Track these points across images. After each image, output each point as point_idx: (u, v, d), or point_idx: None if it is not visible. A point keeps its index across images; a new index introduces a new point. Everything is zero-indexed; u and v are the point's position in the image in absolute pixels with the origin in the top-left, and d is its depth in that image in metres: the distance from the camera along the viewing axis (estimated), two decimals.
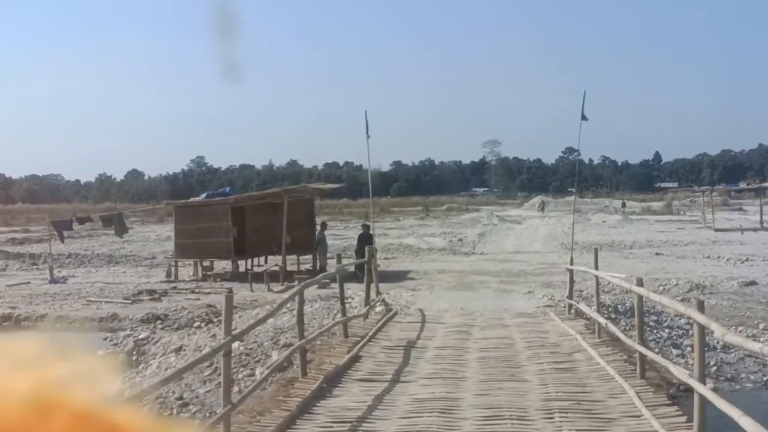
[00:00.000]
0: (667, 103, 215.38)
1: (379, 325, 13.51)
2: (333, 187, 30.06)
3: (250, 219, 24.75)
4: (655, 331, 13.82)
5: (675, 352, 12.88)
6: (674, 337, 13.54)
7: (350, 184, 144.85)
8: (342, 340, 12.34)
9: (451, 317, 14.78)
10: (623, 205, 70.16)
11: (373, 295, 16.35)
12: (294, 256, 25.72)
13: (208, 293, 21.32)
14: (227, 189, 26.57)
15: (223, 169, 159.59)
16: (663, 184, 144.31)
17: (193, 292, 21.44)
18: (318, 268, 23.81)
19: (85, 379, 0.46)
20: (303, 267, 25.81)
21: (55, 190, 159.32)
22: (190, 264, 24.91)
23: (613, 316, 14.42)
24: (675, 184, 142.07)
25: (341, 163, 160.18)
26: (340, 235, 40.26)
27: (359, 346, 11.40)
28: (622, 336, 10.45)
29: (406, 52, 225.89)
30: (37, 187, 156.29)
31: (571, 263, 15.85)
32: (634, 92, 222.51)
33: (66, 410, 0.43)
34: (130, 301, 19.66)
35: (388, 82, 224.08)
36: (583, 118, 16.90)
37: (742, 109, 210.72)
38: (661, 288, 20.61)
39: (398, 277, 23.81)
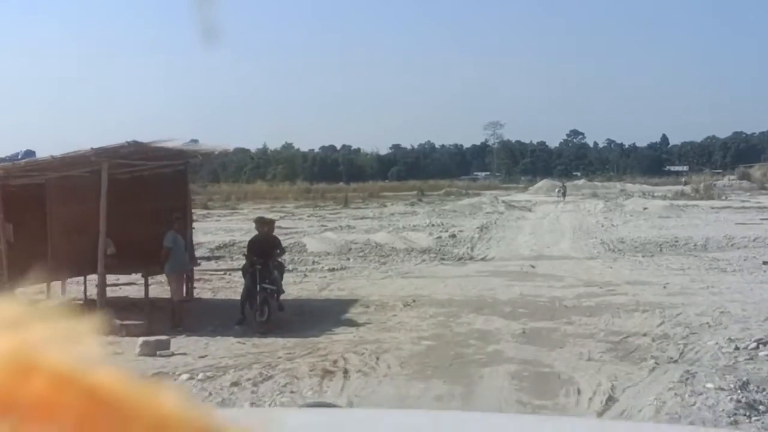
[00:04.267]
0: (673, 86, 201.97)
1: None
2: (207, 152, 15.58)
3: (58, 210, 12.87)
4: None
5: None
6: None
7: (347, 167, 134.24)
8: None
9: None
10: (685, 183, 58.65)
11: None
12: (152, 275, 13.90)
13: None
14: (20, 153, 14.48)
15: (216, 152, 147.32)
16: (673, 168, 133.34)
17: None
18: (176, 299, 11.94)
19: (67, 341, 0.42)
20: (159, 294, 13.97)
21: None
22: None
23: None
24: (685, 168, 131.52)
25: (338, 147, 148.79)
26: (297, 231, 28.72)
27: None
28: None
29: (405, 32, 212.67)
30: None
31: None
32: (639, 74, 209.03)
33: (45, 371, 0.41)
34: None
35: (386, 63, 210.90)
36: None
37: (752, 91, 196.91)
38: None
39: (327, 318, 12.00)
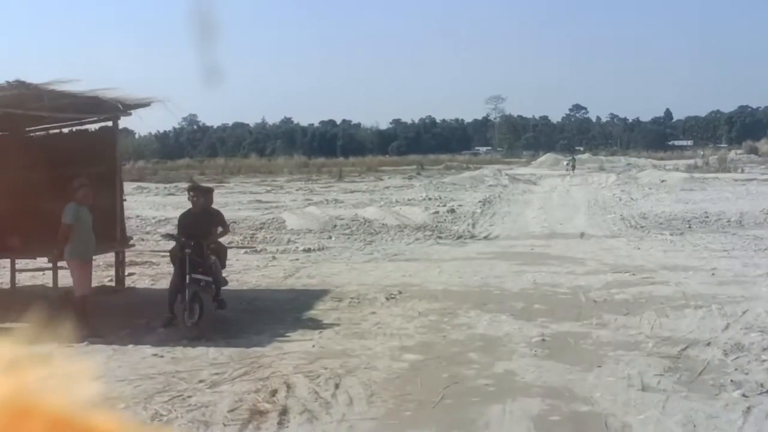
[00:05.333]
0: (677, 60, 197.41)
1: None
2: (134, 102, 11.72)
3: None
4: None
5: None
6: None
7: (346, 142, 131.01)
8: None
9: None
10: (703, 156, 56.06)
11: None
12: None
13: None
14: None
15: (215, 127, 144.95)
16: (677, 142, 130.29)
17: None
18: (80, 294, 8.92)
19: (64, 383, 0.42)
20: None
21: None
22: None
23: None
24: (690, 142, 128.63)
25: (338, 121, 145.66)
26: (279, 205, 25.92)
27: None
28: None
29: (405, 6, 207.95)
30: None
31: None
32: (642, 48, 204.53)
33: (43, 415, 0.40)
34: None
35: (387, 37, 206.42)
36: None
37: (758, 65, 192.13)
38: None
39: (285, 316, 9.07)
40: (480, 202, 23.39)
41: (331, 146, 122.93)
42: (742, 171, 43.14)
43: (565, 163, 49.43)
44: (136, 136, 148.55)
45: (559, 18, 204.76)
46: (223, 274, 9.16)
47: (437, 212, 20.63)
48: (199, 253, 8.43)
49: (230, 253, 15.00)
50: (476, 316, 8.99)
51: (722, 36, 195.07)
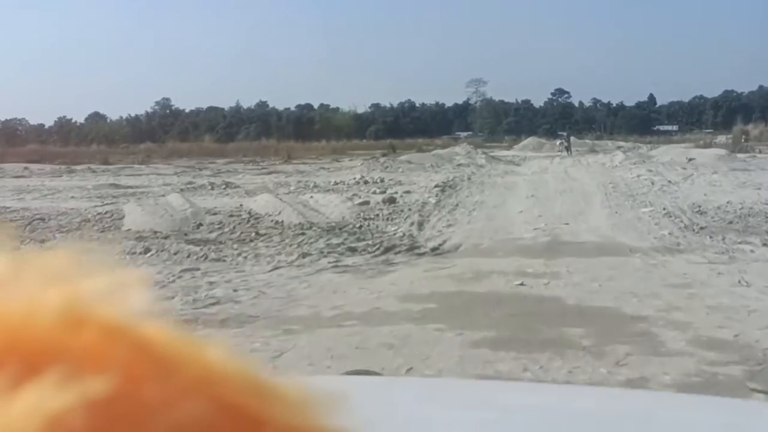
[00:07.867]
0: (659, 44, 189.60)
1: None
2: None
3: None
4: None
5: None
6: None
7: (324, 126, 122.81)
8: None
9: None
10: (727, 138, 48.13)
11: None
12: None
13: None
14: None
15: (187, 111, 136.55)
16: (662, 127, 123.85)
17: None
18: None
19: (117, 293, 0.41)
20: None
21: (13, 134, 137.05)
22: None
23: None
24: (675, 127, 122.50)
25: (315, 105, 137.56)
26: (139, 192, 17.99)
27: None
28: None
29: None
30: None
31: None
32: (624, 31, 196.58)
33: (96, 324, 0.41)
34: None
35: (364, 19, 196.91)
36: None
37: (741, 51, 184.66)
38: None
39: None
40: (438, 186, 15.15)
41: (307, 130, 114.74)
42: (760, 152, 35.81)
43: (558, 143, 40.97)
44: (108, 120, 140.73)
45: (542, 1, 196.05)
46: None
47: (367, 202, 12.54)
48: None
49: None
50: None
51: (706, 21, 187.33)
